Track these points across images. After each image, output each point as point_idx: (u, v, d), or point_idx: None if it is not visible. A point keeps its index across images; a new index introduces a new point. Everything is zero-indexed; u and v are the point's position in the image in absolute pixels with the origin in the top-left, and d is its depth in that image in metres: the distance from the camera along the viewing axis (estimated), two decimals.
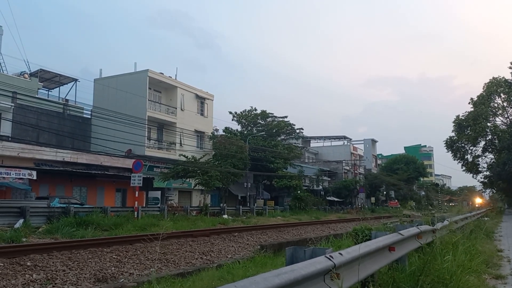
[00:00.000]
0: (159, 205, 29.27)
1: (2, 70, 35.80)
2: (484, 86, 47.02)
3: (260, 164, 43.89)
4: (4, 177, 22.51)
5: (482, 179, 53.37)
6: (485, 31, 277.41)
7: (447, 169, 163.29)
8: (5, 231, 14.94)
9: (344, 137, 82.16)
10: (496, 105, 47.34)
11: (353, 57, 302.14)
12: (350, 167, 73.45)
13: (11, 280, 8.77)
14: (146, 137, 35.67)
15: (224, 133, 48.02)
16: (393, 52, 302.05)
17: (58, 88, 42.71)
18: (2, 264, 9.70)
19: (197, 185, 32.97)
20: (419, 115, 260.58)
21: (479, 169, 51.18)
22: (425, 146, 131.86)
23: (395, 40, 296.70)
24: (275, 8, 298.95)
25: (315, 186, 59.42)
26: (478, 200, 74.61)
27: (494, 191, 66.67)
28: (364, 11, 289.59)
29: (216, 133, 45.64)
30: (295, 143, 58.39)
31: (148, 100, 37.33)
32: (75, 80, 41.41)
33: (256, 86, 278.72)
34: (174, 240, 15.30)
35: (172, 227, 19.71)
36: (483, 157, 50.31)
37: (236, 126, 51.87)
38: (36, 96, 33.85)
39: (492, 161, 49.02)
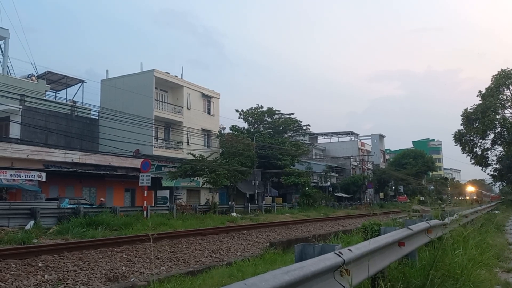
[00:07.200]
0: (168, 204, 29.39)
1: (10, 73, 36.14)
2: (492, 79, 46.49)
3: (268, 162, 43.84)
4: (14, 179, 22.73)
5: (492, 172, 52.80)
6: (491, 24, 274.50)
7: (456, 163, 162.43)
8: (16, 232, 15.10)
9: (352, 133, 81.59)
10: (504, 97, 46.76)
11: (359, 52, 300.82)
12: (358, 162, 73.08)
13: (23, 281, 8.86)
14: (153, 137, 35.78)
15: (231, 131, 48.03)
16: (399, 46, 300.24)
17: (65, 90, 43.07)
18: (14, 265, 9.80)
19: (205, 184, 33.06)
20: (426, 109, 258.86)
21: (489, 162, 50.58)
22: (433, 140, 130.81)
23: (401, 34, 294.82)
24: (278, 5, 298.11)
25: (323, 182, 59.22)
26: (470, 189, 67.00)
27: (504, 184, 65.86)
28: (370, 6, 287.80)
29: (223, 132, 45.65)
30: (302, 139, 58.20)
31: (155, 100, 37.45)
32: (82, 81, 41.71)
33: (261, 83, 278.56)
34: (183, 238, 15.34)
35: (181, 226, 19.83)
36: (492, 150, 49.65)
37: (242, 124, 51.93)
38: (44, 98, 34.13)
39: (501, 153, 48.44)
